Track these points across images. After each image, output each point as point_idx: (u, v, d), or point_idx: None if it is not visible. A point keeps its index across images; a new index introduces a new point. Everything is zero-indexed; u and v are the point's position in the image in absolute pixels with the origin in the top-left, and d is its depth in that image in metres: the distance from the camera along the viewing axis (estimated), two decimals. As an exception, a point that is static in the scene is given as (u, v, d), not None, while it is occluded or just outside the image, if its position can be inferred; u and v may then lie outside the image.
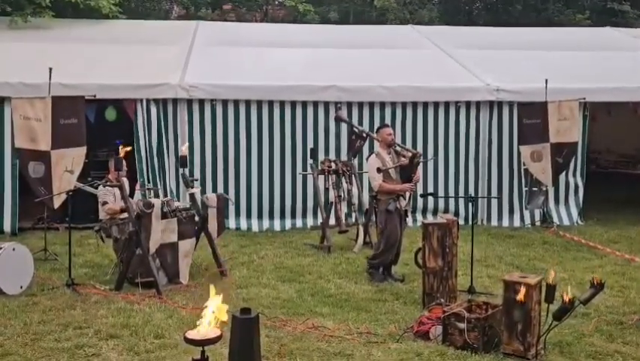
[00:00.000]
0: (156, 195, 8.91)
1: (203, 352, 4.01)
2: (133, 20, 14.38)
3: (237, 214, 10.00)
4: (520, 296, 5.07)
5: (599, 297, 5.68)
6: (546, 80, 9.77)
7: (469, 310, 5.59)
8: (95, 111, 10.63)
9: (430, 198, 10.09)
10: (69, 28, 12.30)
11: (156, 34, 12.46)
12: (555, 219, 10.45)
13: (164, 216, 7.00)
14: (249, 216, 10.11)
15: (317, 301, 6.64)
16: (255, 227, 10.05)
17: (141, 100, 9.74)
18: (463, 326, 5.39)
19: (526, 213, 10.51)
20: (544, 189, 10.25)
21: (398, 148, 7.42)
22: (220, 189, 9.82)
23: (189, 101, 9.92)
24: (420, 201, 10.02)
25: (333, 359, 5.16)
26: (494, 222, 10.48)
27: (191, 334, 3.98)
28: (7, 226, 9.45)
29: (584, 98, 10.09)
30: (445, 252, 6.46)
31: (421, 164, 8.02)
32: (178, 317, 6.04)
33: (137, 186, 9.01)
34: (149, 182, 9.68)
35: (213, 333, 3.99)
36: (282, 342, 5.44)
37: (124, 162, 7.27)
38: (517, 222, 10.47)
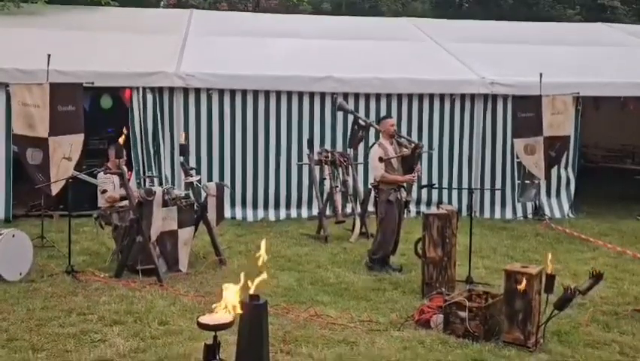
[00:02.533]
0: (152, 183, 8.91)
1: (215, 337, 4.04)
2: (126, 8, 14.28)
3: (232, 204, 10.01)
4: (522, 286, 5.15)
5: (595, 288, 5.78)
6: (540, 74, 9.87)
7: (469, 300, 5.67)
8: (90, 99, 10.60)
9: (425, 190, 10.18)
10: (63, 14, 12.22)
11: (150, 22, 12.42)
12: (547, 212, 10.60)
13: (164, 204, 7.01)
14: (244, 205, 10.14)
15: (317, 290, 6.70)
16: (250, 217, 10.08)
17: (137, 88, 9.70)
18: (464, 314, 5.47)
19: (519, 206, 10.65)
20: (536, 182, 10.37)
21: (400, 139, 7.47)
22: (215, 178, 9.83)
23: (185, 90, 9.90)
24: (415, 192, 10.09)
25: (338, 347, 5.22)
26: (487, 215, 10.61)
27: (204, 319, 4.01)
28: (1, 213, 9.40)
29: (578, 93, 10.21)
30: (445, 242, 6.54)
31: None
32: (180, 304, 6.07)
33: (131, 175, 8.97)
34: (144, 171, 9.66)
35: (226, 318, 4.03)
36: (286, 329, 5.49)
37: (124, 150, 7.25)
38: (509, 215, 10.60)
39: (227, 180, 9.91)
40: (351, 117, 9.33)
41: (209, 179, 9.67)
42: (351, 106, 10.07)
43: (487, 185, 10.52)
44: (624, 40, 13.18)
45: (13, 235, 6.78)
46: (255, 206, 10.16)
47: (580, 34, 13.71)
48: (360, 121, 8.97)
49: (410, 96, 10.42)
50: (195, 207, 7.46)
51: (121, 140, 7.34)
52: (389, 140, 7.39)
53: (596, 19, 16.49)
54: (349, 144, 9.44)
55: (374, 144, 7.58)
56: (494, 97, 10.50)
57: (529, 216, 10.60)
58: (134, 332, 5.35)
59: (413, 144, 7.34)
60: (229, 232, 9.06)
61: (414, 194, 10.01)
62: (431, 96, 10.47)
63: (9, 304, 5.97)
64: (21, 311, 5.79)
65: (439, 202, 10.27)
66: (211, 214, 7.54)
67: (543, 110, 9.92)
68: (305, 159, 9.65)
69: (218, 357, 4.08)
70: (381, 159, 7.12)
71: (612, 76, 10.80)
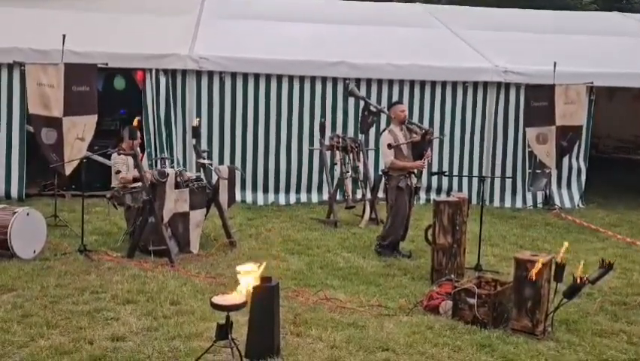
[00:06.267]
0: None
1: (228, 317, 4.10)
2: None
3: (243, 187, 10.05)
4: (533, 274, 5.17)
5: (604, 278, 5.79)
6: (554, 63, 9.81)
7: (478, 287, 5.70)
8: (103, 80, 10.65)
9: (435, 177, 10.19)
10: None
11: (163, 3, 12.37)
12: (557, 202, 10.60)
13: (177, 186, 7.07)
14: (254, 189, 10.19)
15: (327, 274, 6.75)
16: (260, 200, 10.13)
17: (150, 70, 9.74)
18: (473, 301, 5.50)
19: (529, 195, 10.65)
20: (547, 171, 10.35)
21: (411, 126, 7.47)
22: (227, 161, 9.89)
23: (198, 73, 9.93)
24: (425, 179, 10.08)
25: (347, 330, 5.27)
26: (496, 203, 10.61)
27: (218, 299, 4.08)
28: (14, 192, 9.52)
29: (592, 83, 10.16)
30: (455, 229, 6.56)
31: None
32: (192, 285, 6.14)
33: (143, 157, 9.01)
34: (156, 153, 9.72)
35: (239, 299, 4.09)
36: (296, 312, 5.55)
37: (138, 132, 7.30)
38: (519, 204, 10.61)
39: (238, 164, 9.96)
40: (362, 103, 9.34)
41: (221, 162, 9.72)
42: (363, 92, 10.07)
43: (498, 173, 10.52)
44: (639, 29, 13.06)
45: (28, 214, 6.87)
46: (265, 190, 10.21)
47: (595, 23, 13.59)
48: (372, 107, 8.98)
49: (423, 83, 10.41)
50: (207, 189, 7.51)
51: (136, 122, 7.42)
52: (399, 126, 7.39)
53: (612, 8, 16.33)
54: (360, 129, 9.45)
55: (384, 130, 7.59)
56: (507, 85, 10.47)
57: (540, 205, 10.61)
58: (147, 311, 5.42)
59: (423, 130, 7.34)
60: (240, 215, 9.12)
61: (424, 181, 10.02)
62: (444, 83, 10.44)
63: (23, 281, 6.06)
64: (35, 288, 5.88)
65: (450, 190, 10.32)
66: (222, 197, 7.58)
67: (556, 99, 9.86)
68: (316, 144, 9.67)
69: (230, 337, 4.15)
70: (390, 146, 7.14)
71: (627, 66, 10.74)
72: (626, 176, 13.14)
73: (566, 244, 5.37)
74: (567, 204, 10.69)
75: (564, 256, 5.35)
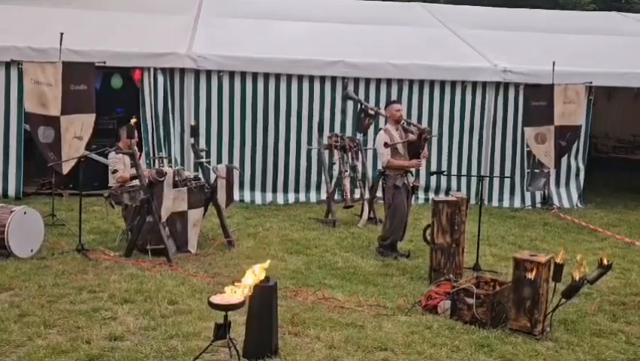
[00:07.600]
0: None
1: (226, 317, 4.09)
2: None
3: (241, 186, 10.03)
4: (532, 275, 5.16)
5: (603, 278, 5.77)
6: (553, 63, 9.83)
7: (477, 287, 5.69)
8: (100, 79, 10.63)
9: (434, 177, 10.18)
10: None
11: (161, 2, 12.36)
12: (555, 202, 10.60)
13: (175, 185, 7.05)
14: (252, 188, 10.18)
15: (325, 274, 6.73)
16: (258, 200, 10.11)
17: (148, 69, 9.72)
18: (471, 301, 5.49)
19: (527, 195, 10.64)
20: (546, 171, 10.36)
21: (407, 125, 7.45)
22: (225, 160, 9.86)
23: (196, 72, 9.91)
24: (423, 178, 10.09)
25: (345, 329, 5.25)
26: (495, 203, 10.61)
27: (216, 299, 4.06)
28: (11, 191, 9.49)
29: (591, 82, 10.16)
30: (454, 229, 6.55)
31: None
32: (190, 285, 6.11)
33: (141, 156, 8.97)
34: (154, 152, 9.70)
35: (236, 299, 4.07)
36: (294, 311, 5.52)
37: (135, 131, 7.28)
38: (517, 203, 10.60)
39: (236, 163, 9.94)
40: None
41: (219, 161, 9.71)
42: (361, 92, 10.08)
43: (497, 173, 10.51)
44: (638, 29, 13.06)
45: (25, 212, 6.84)
46: (263, 189, 10.20)
47: (594, 23, 13.60)
48: (370, 110, 8.96)
49: (422, 82, 10.40)
50: (205, 188, 7.49)
51: (133, 120, 7.40)
52: (395, 125, 7.37)
53: (611, 8, 16.33)
54: (358, 129, 9.44)
55: (380, 129, 7.58)
56: (506, 85, 10.46)
57: (538, 205, 10.60)
58: (144, 311, 5.40)
59: (419, 129, 7.31)
60: (238, 215, 9.11)
61: (423, 181, 10.02)
62: (443, 83, 10.43)
63: (21, 280, 6.03)
64: (32, 288, 5.85)
65: (449, 189, 10.31)
66: (221, 196, 7.56)
67: (555, 99, 9.90)
68: (315, 143, 9.66)
69: (228, 336, 4.13)
70: (386, 145, 7.13)
71: (626, 66, 10.73)
72: (624, 176, 13.14)
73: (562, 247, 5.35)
74: (566, 203, 10.69)
75: (563, 257, 5.34)
